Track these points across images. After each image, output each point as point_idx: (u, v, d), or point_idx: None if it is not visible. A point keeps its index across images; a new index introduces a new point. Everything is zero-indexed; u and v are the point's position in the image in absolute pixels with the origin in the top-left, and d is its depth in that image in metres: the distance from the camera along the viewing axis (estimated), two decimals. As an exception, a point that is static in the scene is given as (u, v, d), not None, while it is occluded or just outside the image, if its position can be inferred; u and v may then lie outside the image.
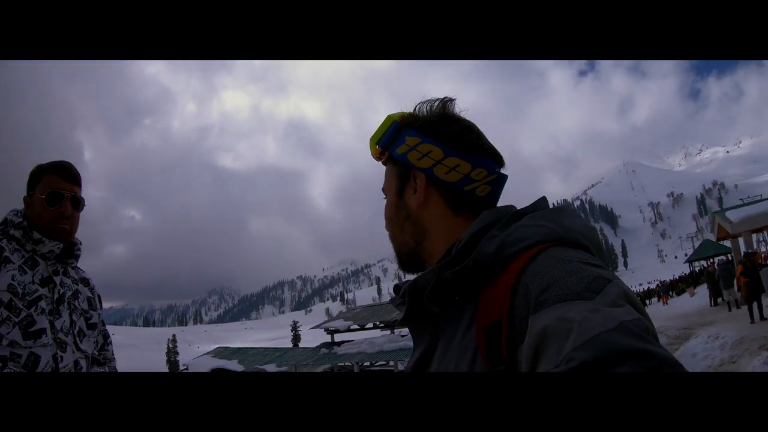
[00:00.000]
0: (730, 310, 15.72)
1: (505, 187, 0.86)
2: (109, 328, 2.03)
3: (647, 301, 37.66)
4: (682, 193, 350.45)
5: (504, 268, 0.68)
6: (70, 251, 1.89)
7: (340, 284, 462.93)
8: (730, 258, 22.88)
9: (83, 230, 1.58)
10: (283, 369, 13.20)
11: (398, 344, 18.93)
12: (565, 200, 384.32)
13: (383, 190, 0.92)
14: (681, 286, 37.40)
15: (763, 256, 17.45)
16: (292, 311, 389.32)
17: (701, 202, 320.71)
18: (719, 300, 19.20)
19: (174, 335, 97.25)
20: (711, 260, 35.37)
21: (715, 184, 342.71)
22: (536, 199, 0.82)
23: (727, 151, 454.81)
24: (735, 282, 15.37)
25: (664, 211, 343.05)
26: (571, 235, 0.72)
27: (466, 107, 0.86)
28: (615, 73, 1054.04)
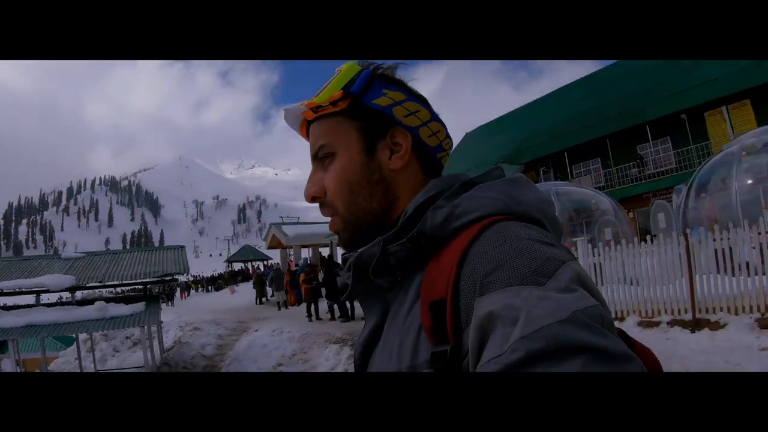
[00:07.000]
0: (279, 309, 18.39)
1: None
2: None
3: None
4: (226, 199, 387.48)
5: (451, 241, 0.63)
6: None
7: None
8: (276, 264, 26.97)
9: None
10: None
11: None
12: (113, 176, 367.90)
13: (324, 146, 0.75)
14: (221, 283, 40.95)
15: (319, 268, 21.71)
16: None
17: (242, 210, 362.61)
18: (263, 300, 22.48)
19: None
20: (251, 263, 41.50)
21: (258, 198, 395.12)
22: None
23: (276, 174, 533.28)
24: (285, 285, 18.20)
25: (206, 212, 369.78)
26: (524, 208, 0.67)
27: None
28: (204, 71, 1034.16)
